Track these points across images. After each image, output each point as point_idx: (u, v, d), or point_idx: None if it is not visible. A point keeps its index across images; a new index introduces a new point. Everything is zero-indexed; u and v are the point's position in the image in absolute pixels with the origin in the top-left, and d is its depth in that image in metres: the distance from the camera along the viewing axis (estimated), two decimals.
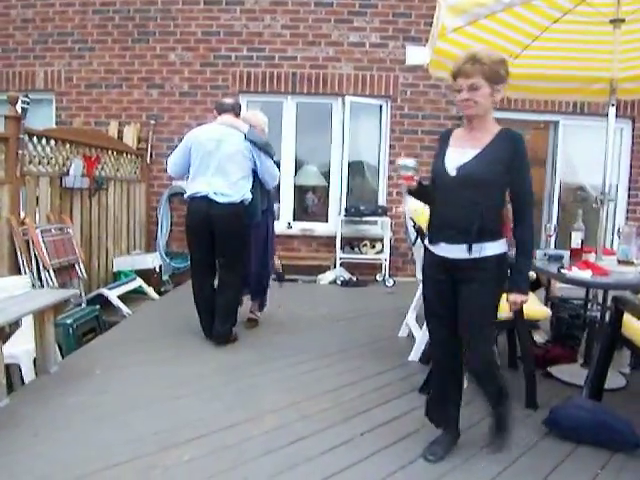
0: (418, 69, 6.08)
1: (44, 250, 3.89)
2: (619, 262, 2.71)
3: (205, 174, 3.41)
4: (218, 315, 3.46)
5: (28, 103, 3.87)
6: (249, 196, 3.48)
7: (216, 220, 3.37)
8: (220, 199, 3.36)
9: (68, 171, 4.48)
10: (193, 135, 3.53)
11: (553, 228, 3.67)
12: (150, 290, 5.28)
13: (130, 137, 6.13)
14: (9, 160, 3.74)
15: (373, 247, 6.09)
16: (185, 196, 3.57)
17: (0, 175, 3.70)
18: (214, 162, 3.39)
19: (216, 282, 3.58)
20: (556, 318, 3.29)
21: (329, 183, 6.45)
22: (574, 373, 2.87)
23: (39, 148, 4.18)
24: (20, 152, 3.79)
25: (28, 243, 3.85)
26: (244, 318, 3.91)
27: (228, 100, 3.75)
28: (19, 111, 3.79)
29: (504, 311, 2.55)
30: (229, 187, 3.38)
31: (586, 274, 2.34)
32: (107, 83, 6.32)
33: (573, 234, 2.83)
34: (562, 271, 2.43)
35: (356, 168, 6.42)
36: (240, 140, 3.44)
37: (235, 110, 3.61)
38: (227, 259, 3.49)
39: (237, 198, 3.40)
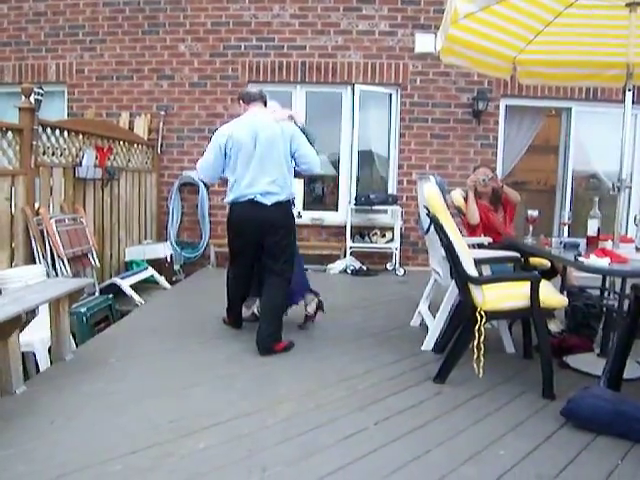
0: (428, 57, 6.04)
1: (58, 240, 3.93)
2: (637, 249, 2.67)
3: (245, 173, 3.11)
4: (263, 318, 3.17)
5: (42, 95, 3.87)
6: (294, 192, 3.24)
7: (266, 224, 3.11)
8: (267, 200, 3.09)
9: (81, 162, 4.50)
10: (224, 132, 3.17)
11: (568, 216, 3.64)
12: (162, 279, 5.31)
13: (141, 128, 6.16)
14: (24, 151, 3.77)
15: (383, 236, 6.07)
16: (226, 200, 3.25)
17: (15, 166, 3.74)
18: (255, 159, 3.09)
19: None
20: (571, 307, 3.25)
21: (339, 172, 6.42)
22: (591, 363, 2.84)
23: (52, 139, 4.21)
24: (34, 143, 3.82)
25: (43, 233, 3.88)
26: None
27: (254, 89, 3.37)
28: (33, 103, 3.80)
29: (520, 299, 2.55)
30: (275, 185, 3.10)
31: (604, 262, 2.30)
32: (118, 75, 6.34)
33: (589, 221, 2.78)
34: (579, 259, 2.40)
35: (366, 157, 6.39)
36: (279, 130, 3.12)
37: (264, 99, 3.28)
38: (279, 263, 3.19)
39: (285, 196, 3.14)
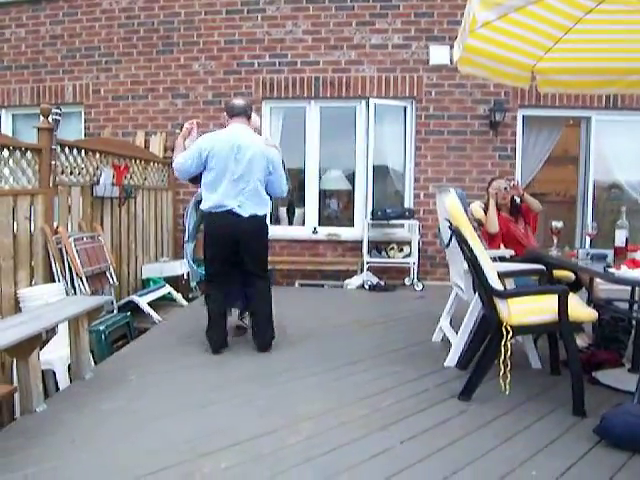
0: (442, 69, 6.02)
1: (77, 258, 3.94)
2: None
3: (225, 185, 3.29)
4: (262, 324, 3.47)
5: (60, 115, 3.93)
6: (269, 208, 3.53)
7: (244, 235, 3.33)
8: (246, 213, 3.31)
9: (98, 180, 4.54)
10: (206, 146, 3.31)
11: (592, 227, 3.54)
12: (179, 297, 5.30)
13: (156, 146, 6.21)
14: (43, 171, 3.81)
15: (401, 250, 6.00)
16: (204, 208, 3.43)
17: (34, 185, 3.77)
18: (236, 172, 3.27)
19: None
20: (599, 320, 3.15)
21: (354, 187, 6.39)
22: (621, 378, 2.74)
23: (70, 158, 4.25)
24: (53, 163, 3.86)
25: (61, 251, 3.90)
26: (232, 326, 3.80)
27: (238, 102, 3.50)
28: (51, 123, 3.85)
29: (547, 313, 2.47)
30: (253, 199, 3.33)
31: (637, 273, 2.22)
32: (133, 94, 6.43)
33: (617, 232, 2.71)
34: (610, 270, 2.32)
35: (381, 171, 6.35)
36: (260, 148, 3.34)
37: (247, 113, 3.46)
38: (260, 270, 3.48)
39: (263, 212, 3.41)
